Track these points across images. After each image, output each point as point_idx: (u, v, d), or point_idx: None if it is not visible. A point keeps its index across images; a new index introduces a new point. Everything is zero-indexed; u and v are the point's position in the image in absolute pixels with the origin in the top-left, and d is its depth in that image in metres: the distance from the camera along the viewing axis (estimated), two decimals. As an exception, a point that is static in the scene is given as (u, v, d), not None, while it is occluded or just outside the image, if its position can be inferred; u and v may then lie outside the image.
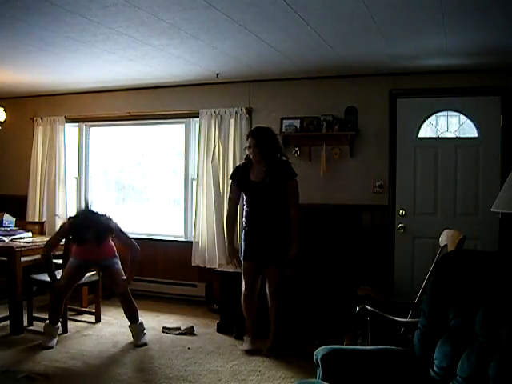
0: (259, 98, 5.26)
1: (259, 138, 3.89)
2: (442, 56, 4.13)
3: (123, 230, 4.27)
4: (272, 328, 3.97)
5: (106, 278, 4.43)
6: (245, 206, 4.04)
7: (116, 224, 4.23)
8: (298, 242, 3.90)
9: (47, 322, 4.13)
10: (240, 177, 4.02)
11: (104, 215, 4.20)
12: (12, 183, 6.34)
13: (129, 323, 4.22)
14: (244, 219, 4.05)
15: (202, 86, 5.43)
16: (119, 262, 4.31)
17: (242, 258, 4.03)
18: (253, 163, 3.97)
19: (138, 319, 4.21)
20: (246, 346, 4.03)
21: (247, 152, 3.99)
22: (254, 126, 4.27)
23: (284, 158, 3.99)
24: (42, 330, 4.13)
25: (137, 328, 4.19)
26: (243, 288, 4.03)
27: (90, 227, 4.09)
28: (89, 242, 4.12)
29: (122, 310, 4.23)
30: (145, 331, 4.25)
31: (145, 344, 4.13)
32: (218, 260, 5.23)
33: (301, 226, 3.98)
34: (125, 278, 4.21)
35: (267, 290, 3.97)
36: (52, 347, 3.98)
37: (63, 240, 4.39)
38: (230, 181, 4.16)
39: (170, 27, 3.39)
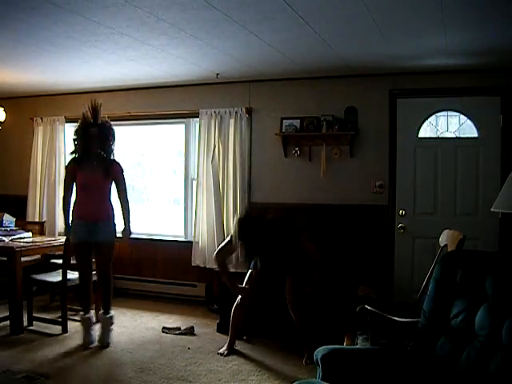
0: (259, 98, 5.26)
1: (248, 242, 3.79)
2: (441, 56, 4.13)
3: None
4: (302, 338, 3.90)
5: (97, 257, 4.17)
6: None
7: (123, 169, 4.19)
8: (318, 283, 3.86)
9: (81, 313, 4.18)
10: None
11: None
12: (12, 183, 6.34)
13: (101, 311, 4.18)
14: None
15: (202, 86, 5.43)
16: (114, 242, 4.17)
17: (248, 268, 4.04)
18: None
19: (109, 311, 4.18)
20: (223, 349, 4.00)
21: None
22: (240, 218, 3.91)
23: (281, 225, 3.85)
24: (80, 324, 4.16)
25: (106, 320, 4.14)
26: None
27: (94, 137, 4.00)
28: (92, 171, 4.02)
29: (121, 309, 4.24)
30: (112, 327, 4.18)
31: (108, 344, 4.05)
32: (218, 260, 5.22)
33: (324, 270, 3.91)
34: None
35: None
36: (92, 343, 4.02)
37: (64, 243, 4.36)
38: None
39: (170, 27, 3.39)
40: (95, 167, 4.06)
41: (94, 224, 4.04)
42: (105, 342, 4.06)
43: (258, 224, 3.81)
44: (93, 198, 4.06)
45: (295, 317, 3.90)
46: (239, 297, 4.06)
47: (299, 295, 3.90)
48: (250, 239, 3.79)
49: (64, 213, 4.19)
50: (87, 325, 4.12)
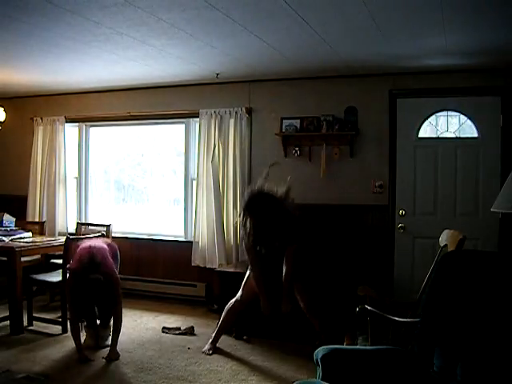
0: (259, 98, 5.26)
1: (257, 215, 3.77)
2: (442, 56, 4.13)
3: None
4: (322, 337, 3.85)
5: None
6: None
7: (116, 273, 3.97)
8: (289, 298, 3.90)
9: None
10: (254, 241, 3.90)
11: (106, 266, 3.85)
12: (12, 183, 6.34)
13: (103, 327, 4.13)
14: None
15: (202, 86, 5.43)
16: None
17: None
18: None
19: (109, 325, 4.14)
20: (207, 346, 4.02)
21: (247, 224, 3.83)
22: (248, 196, 3.84)
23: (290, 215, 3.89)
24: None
25: (106, 331, 4.13)
26: (238, 296, 4.04)
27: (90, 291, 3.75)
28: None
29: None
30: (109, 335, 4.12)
31: (107, 346, 4.00)
32: (218, 260, 5.23)
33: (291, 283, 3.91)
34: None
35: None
36: (95, 346, 4.02)
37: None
38: (248, 246, 3.95)
39: (169, 27, 3.39)
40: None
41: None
42: (103, 345, 4.01)
43: (271, 200, 3.77)
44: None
45: (314, 321, 3.91)
46: (235, 298, 4.05)
47: (313, 300, 3.91)
48: (259, 212, 3.74)
49: None
50: (89, 334, 4.11)
